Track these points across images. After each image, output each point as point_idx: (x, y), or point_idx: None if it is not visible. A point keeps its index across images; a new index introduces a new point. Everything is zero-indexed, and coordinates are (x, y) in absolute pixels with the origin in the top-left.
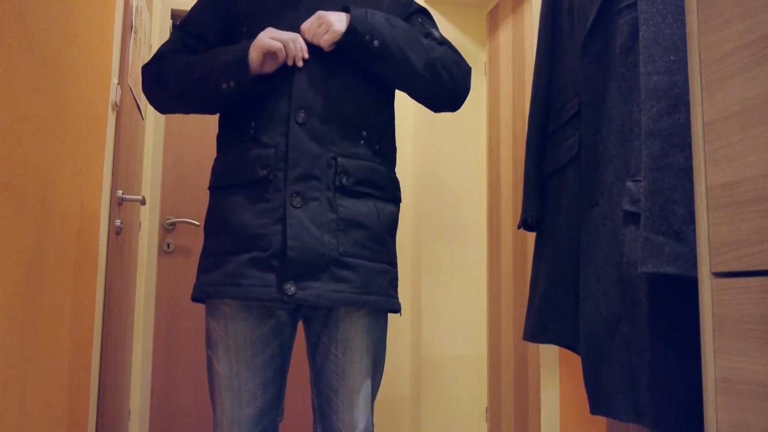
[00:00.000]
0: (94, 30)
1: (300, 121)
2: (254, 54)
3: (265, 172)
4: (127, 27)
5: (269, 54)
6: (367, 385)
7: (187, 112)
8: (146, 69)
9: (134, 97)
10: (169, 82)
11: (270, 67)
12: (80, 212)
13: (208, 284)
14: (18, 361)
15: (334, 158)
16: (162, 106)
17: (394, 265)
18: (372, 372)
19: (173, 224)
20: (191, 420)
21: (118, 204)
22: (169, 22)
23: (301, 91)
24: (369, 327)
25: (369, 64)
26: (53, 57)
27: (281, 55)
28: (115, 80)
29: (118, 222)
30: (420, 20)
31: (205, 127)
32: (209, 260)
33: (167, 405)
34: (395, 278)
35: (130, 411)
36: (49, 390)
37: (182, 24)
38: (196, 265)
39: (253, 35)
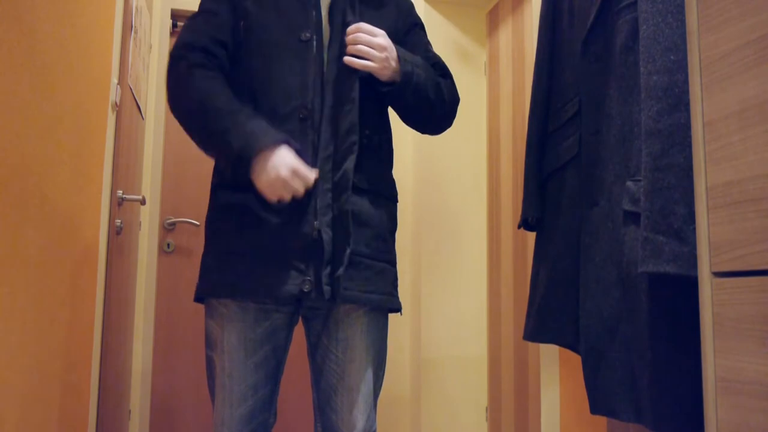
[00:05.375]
0: (94, 30)
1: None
2: (257, 182)
3: None
4: (127, 27)
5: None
6: (368, 384)
7: None
8: (171, 70)
9: (134, 97)
10: (183, 113)
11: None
12: (80, 212)
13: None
14: (18, 362)
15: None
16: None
17: (394, 264)
18: (373, 371)
19: (173, 224)
20: (191, 420)
21: (118, 204)
22: (169, 22)
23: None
24: (369, 326)
25: (396, 97)
26: (53, 57)
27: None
28: (115, 80)
29: (118, 222)
30: (421, 35)
31: None
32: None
33: (167, 405)
34: (396, 277)
35: (130, 411)
36: (49, 390)
37: (201, 13)
38: (196, 265)
39: (250, 32)
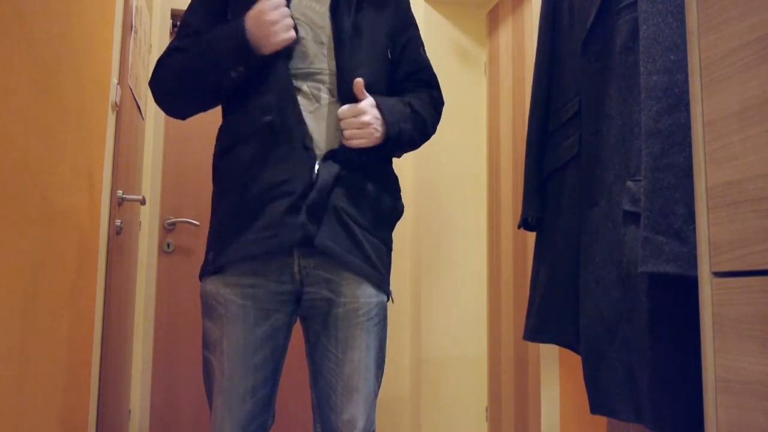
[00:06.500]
0: (94, 30)
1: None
2: (266, 49)
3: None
4: (127, 27)
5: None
6: (367, 384)
7: (203, 108)
8: (153, 82)
9: (134, 97)
10: (174, 83)
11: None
12: (80, 212)
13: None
14: (18, 361)
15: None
16: (178, 112)
17: (390, 248)
18: (373, 371)
19: (173, 224)
20: (191, 420)
21: (118, 204)
22: (169, 22)
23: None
24: (369, 326)
25: (390, 152)
26: (53, 57)
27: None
28: (115, 80)
29: (118, 222)
30: (416, 34)
31: (206, 127)
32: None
33: (167, 405)
34: (390, 262)
35: (130, 411)
36: (48, 390)
37: (178, 29)
38: (196, 265)
39: (239, 15)
